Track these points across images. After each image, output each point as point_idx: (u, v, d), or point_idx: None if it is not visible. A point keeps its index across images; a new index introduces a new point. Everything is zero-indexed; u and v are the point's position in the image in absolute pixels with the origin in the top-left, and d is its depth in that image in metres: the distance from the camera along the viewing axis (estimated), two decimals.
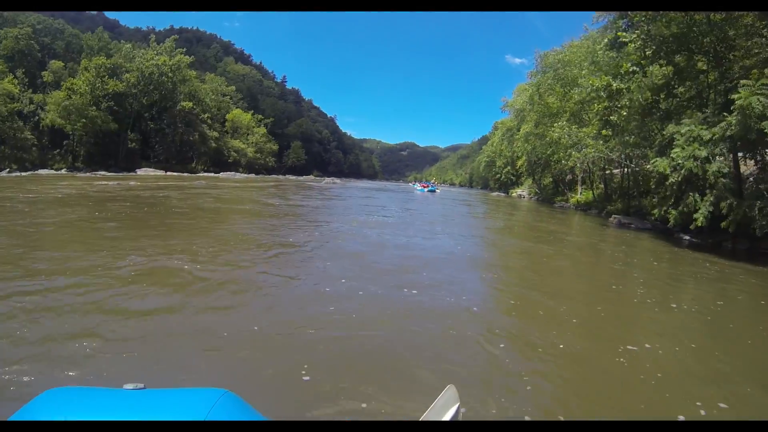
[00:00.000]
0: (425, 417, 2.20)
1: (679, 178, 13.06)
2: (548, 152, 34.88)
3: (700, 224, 12.69)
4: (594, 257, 13.15)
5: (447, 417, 2.25)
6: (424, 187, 59.64)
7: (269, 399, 3.61)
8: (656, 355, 5.23)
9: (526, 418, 3.68)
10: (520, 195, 57.56)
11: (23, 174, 41.49)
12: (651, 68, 15.52)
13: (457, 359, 4.79)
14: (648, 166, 20.18)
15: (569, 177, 41.56)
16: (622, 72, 15.65)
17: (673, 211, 14.09)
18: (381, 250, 10.69)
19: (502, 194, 65.42)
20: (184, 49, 75.12)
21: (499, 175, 79.92)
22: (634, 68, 15.41)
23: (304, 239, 11.43)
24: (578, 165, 22.22)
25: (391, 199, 35.14)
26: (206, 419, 1.22)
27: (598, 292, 8.71)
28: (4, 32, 56.49)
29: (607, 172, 29.45)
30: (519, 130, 47.38)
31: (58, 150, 56.50)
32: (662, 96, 16.11)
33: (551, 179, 46.25)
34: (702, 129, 12.73)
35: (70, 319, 4.97)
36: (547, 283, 9.03)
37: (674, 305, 7.72)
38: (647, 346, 5.47)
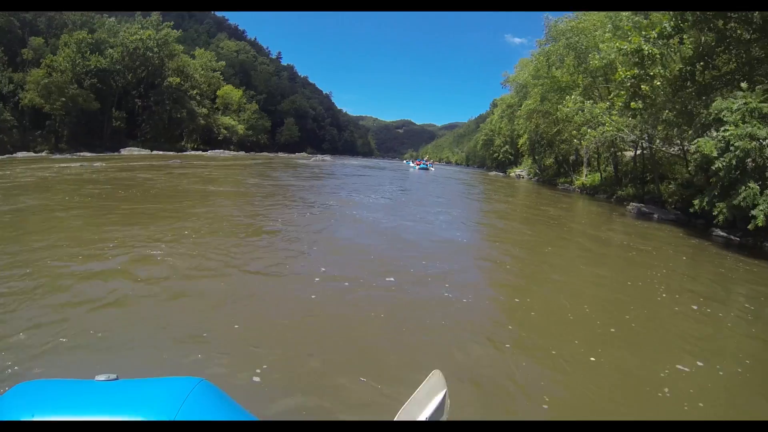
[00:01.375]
0: (408, 404, 2.13)
1: (732, 163, 10.85)
2: (554, 131, 32.46)
3: (760, 223, 10.44)
4: (614, 251, 11.38)
5: (433, 404, 2.15)
6: (418, 164, 58.91)
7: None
8: (704, 377, 4.32)
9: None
10: (518, 175, 55.62)
11: None
12: (687, 34, 13.32)
13: (457, 370, 4.05)
14: (673, 149, 18.02)
15: (573, 158, 39.34)
16: (655, 35, 13.30)
17: (721, 204, 11.79)
18: (371, 236, 9.96)
19: (500, 174, 63.23)
20: (172, 23, 71.99)
21: (496, 155, 77.67)
22: (670, 30, 13.02)
23: (288, 223, 10.64)
24: (592, 144, 19.77)
25: (384, 177, 33.62)
26: (181, 409, 1.18)
27: (625, 294, 7.32)
28: None
29: (618, 153, 27.15)
30: (520, 107, 44.81)
31: (39, 131, 53.63)
32: (699, 66, 13.78)
33: (553, 159, 43.71)
34: (762, 102, 10.55)
35: (39, 311, 4.70)
36: (562, 281, 7.87)
37: (720, 315, 6.59)
38: (699, 363, 4.57)
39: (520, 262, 8.98)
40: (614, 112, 16.62)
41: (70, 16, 62.26)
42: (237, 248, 7.75)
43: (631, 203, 19.55)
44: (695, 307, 6.65)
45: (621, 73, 14.14)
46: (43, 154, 46.53)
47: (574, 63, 25.26)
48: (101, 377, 1.29)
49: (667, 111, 14.23)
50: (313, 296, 5.64)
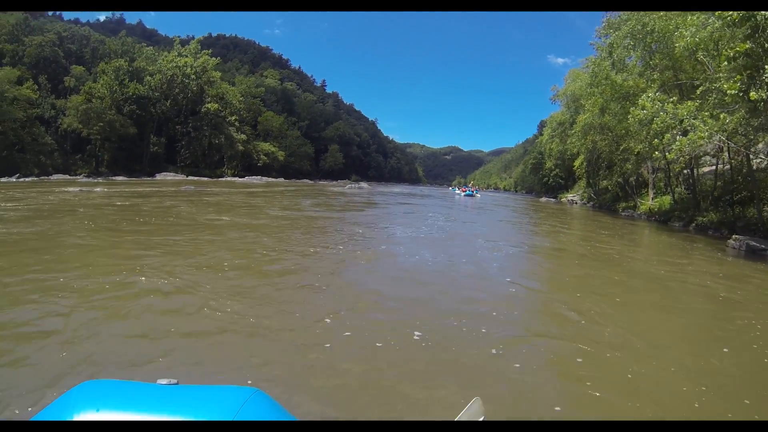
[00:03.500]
0: None
1: None
2: (620, 147, 28.07)
3: None
4: (734, 309, 7.29)
5: None
6: (463, 191, 56.32)
7: None
8: None
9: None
10: (571, 200, 51.05)
11: (27, 179, 39.38)
12: None
13: None
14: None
15: (633, 178, 34.79)
16: None
17: None
18: (406, 280, 7.69)
19: (551, 200, 58.59)
20: (210, 51, 72.34)
21: (546, 179, 73.03)
22: None
23: (309, 262, 8.55)
24: (683, 156, 15.27)
25: (427, 206, 29.51)
26: (237, 415, 1.24)
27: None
28: (29, 40, 56.39)
29: (695, 169, 22.37)
30: (573, 124, 40.41)
31: (80, 155, 55.09)
32: None
33: (615, 181, 38.50)
34: None
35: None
36: (657, 347, 5.16)
37: None
38: None
39: (596, 319, 5.87)
40: (705, 113, 12.49)
41: (111, 45, 63.83)
42: (242, 293, 6.22)
43: (734, 236, 14.75)
44: None
45: (725, 52, 10.08)
46: (80, 177, 46.50)
47: (643, 56, 20.99)
48: (163, 381, 1.34)
49: None
50: (327, 345, 4.66)
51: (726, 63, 10.66)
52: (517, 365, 4.40)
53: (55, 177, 44.29)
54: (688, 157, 16.22)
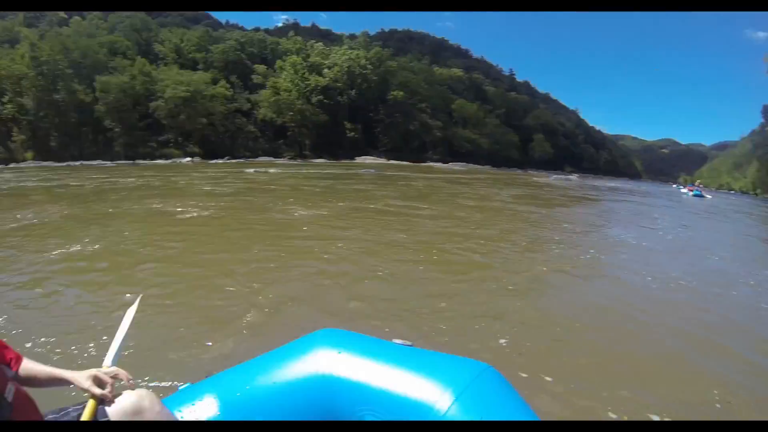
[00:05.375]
0: None
1: None
2: None
3: None
4: None
5: None
6: (690, 190, 44.96)
7: None
8: None
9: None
10: None
11: (233, 161, 45.32)
12: None
13: None
14: None
15: None
16: None
17: None
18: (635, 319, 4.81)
19: None
20: (381, 43, 75.68)
21: None
22: None
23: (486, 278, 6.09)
24: None
25: (649, 207, 23.14)
26: (467, 388, 1.23)
27: None
28: (214, 48, 65.25)
29: None
30: None
31: (282, 140, 60.58)
32: None
33: None
34: None
35: None
36: None
37: None
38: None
39: None
40: None
41: (285, 45, 71.94)
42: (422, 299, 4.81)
43: None
44: None
45: None
46: (281, 159, 52.87)
47: None
48: (398, 341, 1.42)
49: None
50: None
51: None
52: None
53: (260, 159, 50.32)
54: None
